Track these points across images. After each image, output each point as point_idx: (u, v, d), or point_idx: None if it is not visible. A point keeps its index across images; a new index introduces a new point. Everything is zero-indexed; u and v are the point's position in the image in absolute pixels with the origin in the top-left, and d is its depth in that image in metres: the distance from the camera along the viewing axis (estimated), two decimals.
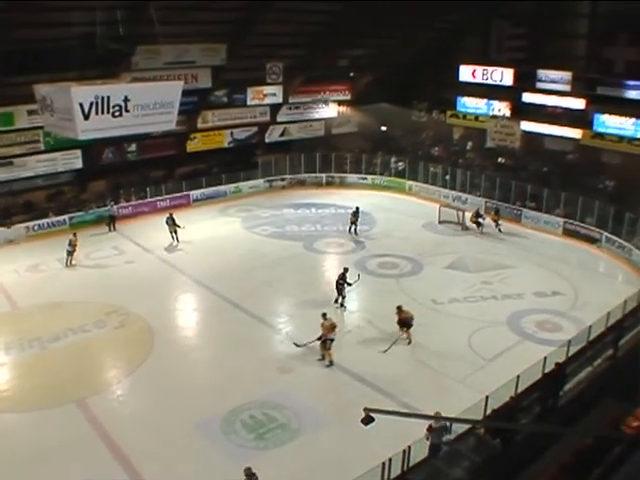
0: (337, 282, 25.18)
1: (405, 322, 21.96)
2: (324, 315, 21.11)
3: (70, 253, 29.28)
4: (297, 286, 27.20)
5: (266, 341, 22.67)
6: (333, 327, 20.85)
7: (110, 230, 34.34)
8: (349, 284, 25.01)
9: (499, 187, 37.83)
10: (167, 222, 32.51)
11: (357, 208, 34.52)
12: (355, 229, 34.30)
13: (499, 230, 34.66)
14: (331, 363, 20.66)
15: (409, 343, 21.96)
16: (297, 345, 21.19)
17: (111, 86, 19.15)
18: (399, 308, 22.22)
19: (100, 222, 34.52)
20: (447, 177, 40.79)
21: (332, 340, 20.82)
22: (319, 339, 20.78)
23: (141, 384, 19.83)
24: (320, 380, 19.95)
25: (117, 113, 18.99)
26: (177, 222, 32.46)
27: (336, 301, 25.22)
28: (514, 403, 15.69)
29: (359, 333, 23.19)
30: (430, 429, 14.75)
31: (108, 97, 18.47)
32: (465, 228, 34.97)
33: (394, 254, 30.94)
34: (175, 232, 32.47)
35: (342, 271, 25.33)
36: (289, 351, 21.62)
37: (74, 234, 30.05)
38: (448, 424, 14.88)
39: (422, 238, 33.61)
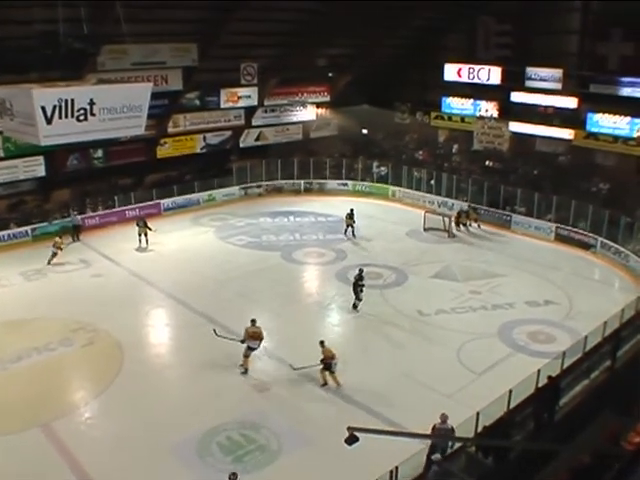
0: (354, 285, 25.74)
1: (325, 364, 20.22)
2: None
3: (54, 254, 30.60)
4: (275, 299, 27.10)
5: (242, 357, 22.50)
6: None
7: (74, 240, 34.11)
8: (360, 286, 25.57)
9: (487, 192, 38.06)
10: (138, 224, 33.14)
11: (352, 210, 35.17)
12: (352, 231, 34.89)
13: (478, 226, 36.44)
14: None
15: (337, 386, 20.28)
16: (294, 368, 20.79)
17: (75, 88, 18.94)
18: (321, 344, 20.50)
19: (65, 233, 34.15)
20: (432, 182, 40.96)
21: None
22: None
23: (111, 405, 19.56)
24: (300, 398, 19.83)
25: (82, 117, 18.79)
26: (149, 225, 33.31)
27: (355, 307, 25.75)
28: (507, 419, 15.68)
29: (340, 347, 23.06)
30: (434, 429, 15.31)
31: (72, 100, 18.27)
32: (452, 235, 35.09)
33: (377, 264, 30.91)
34: (145, 234, 32.98)
35: (358, 272, 25.89)
36: (267, 368, 21.54)
37: (60, 236, 31.72)
38: (454, 426, 15.30)
39: (406, 246, 33.66)
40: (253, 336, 20.93)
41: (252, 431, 18.05)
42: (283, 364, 21.36)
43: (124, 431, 18.22)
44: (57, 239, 31.26)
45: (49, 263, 30.64)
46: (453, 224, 35.95)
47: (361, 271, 25.88)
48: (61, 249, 31.07)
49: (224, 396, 19.82)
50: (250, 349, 21.01)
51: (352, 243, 34.06)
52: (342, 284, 28.45)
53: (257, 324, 21.25)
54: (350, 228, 35.15)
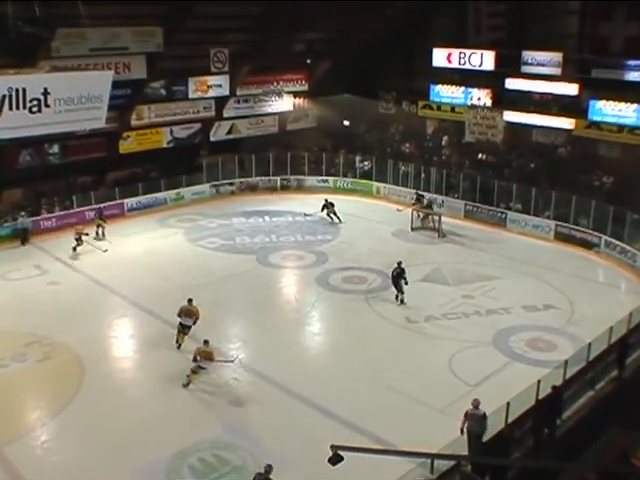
0: (393, 277, 26.91)
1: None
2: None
3: (79, 242, 32.56)
4: (250, 306, 27.01)
5: (216, 370, 22.26)
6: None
7: (23, 244, 33.89)
8: (404, 279, 26.81)
9: (480, 187, 38.14)
10: (95, 215, 34.70)
11: (326, 199, 38.03)
12: (338, 217, 37.45)
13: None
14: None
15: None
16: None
17: (27, 76, 18.85)
18: (205, 343, 21.27)
19: (16, 237, 33.92)
20: (422, 176, 40.85)
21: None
22: None
23: (70, 426, 19.36)
24: (279, 414, 19.72)
25: (35, 108, 18.69)
26: (104, 217, 35.21)
27: (396, 298, 26.89)
28: (504, 434, 15.68)
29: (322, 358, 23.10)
30: (466, 415, 16.30)
31: (24, 89, 18.15)
32: (442, 235, 35.13)
33: (361, 267, 30.97)
34: (102, 227, 34.67)
35: (396, 264, 27.08)
36: (243, 381, 21.43)
37: (80, 226, 33.45)
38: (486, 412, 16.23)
39: (393, 247, 33.59)
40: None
41: (227, 451, 17.92)
42: (260, 377, 21.30)
43: (84, 455, 18.00)
44: (78, 226, 33.36)
45: (74, 250, 32.47)
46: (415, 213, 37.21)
47: (400, 263, 27.06)
48: (87, 234, 33.08)
49: (196, 414, 19.68)
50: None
51: (333, 245, 34.04)
52: (323, 289, 28.44)
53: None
54: (333, 215, 37.24)
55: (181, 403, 20.22)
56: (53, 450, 18.44)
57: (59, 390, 21.16)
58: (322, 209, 37.98)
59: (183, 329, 23.02)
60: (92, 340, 24.15)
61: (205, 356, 20.94)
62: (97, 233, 34.67)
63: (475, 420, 16.43)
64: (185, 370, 21.56)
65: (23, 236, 34.22)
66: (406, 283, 26.90)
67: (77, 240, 32.60)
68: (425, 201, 38.22)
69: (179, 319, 23.00)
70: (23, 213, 34.73)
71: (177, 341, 23.14)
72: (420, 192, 39.00)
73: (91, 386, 21.19)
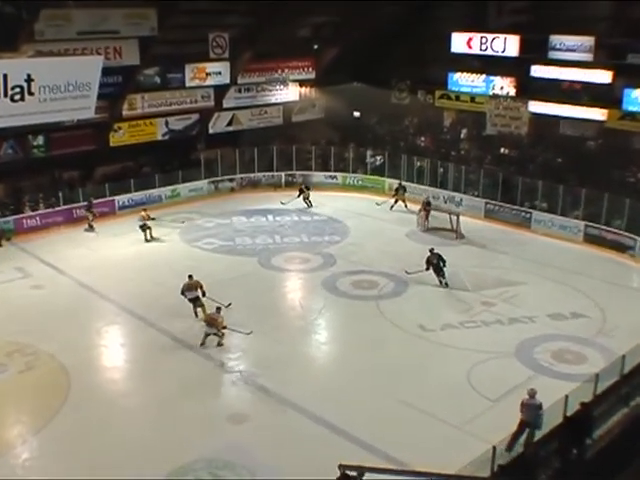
0: (434, 265, 28.88)
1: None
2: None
3: (147, 227, 34.76)
4: (251, 313, 26.90)
5: (214, 383, 22.38)
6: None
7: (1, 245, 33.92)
8: (443, 262, 28.99)
9: (502, 184, 38.04)
10: (85, 207, 36.40)
11: (302, 186, 41.24)
12: (310, 202, 40.37)
13: (406, 207, 39.39)
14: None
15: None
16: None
17: (9, 61, 18.86)
18: (218, 310, 24.34)
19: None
20: (440, 171, 40.80)
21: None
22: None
23: (54, 443, 19.26)
24: (282, 430, 19.63)
25: (17, 96, 18.71)
26: (93, 210, 36.41)
27: (441, 283, 28.95)
28: (528, 455, 15.54)
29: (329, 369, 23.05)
30: (522, 405, 17.22)
31: (5, 75, 18.16)
32: (461, 236, 35.03)
33: (372, 270, 30.92)
34: (89, 218, 36.21)
35: (430, 253, 29.25)
36: (243, 395, 21.40)
37: (144, 209, 35.72)
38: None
39: (406, 250, 33.55)
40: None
41: (226, 471, 17.81)
42: (261, 390, 21.21)
43: (69, 475, 17.85)
44: (142, 213, 35.23)
45: (151, 238, 34.83)
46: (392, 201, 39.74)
47: (432, 249, 29.41)
48: (153, 219, 35.35)
49: (192, 429, 19.56)
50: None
51: (341, 246, 34.02)
52: (330, 294, 28.38)
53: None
54: (308, 200, 40.13)
55: (176, 418, 20.12)
56: (35, 469, 18.32)
57: (42, 403, 21.06)
58: (299, 194, 40.17)
59: (194, 302, 26.04)
60: (79, 349, 24.08)
61: (208, 321, 23.87)
62: (90, 225, 36.03)
63: (531, 410, 17.26)
64: (181, 382, 21.72)
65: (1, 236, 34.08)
66: (445, 265, 29.00)
67: (142, 227, 34.71)
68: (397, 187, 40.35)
69: (185, 296, 26.03)
70: None
71: (195, 314, 26.13)
72: (403, 183, 40.82)
73: (77, 399, 21.09)
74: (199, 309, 26.04)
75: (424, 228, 36.11)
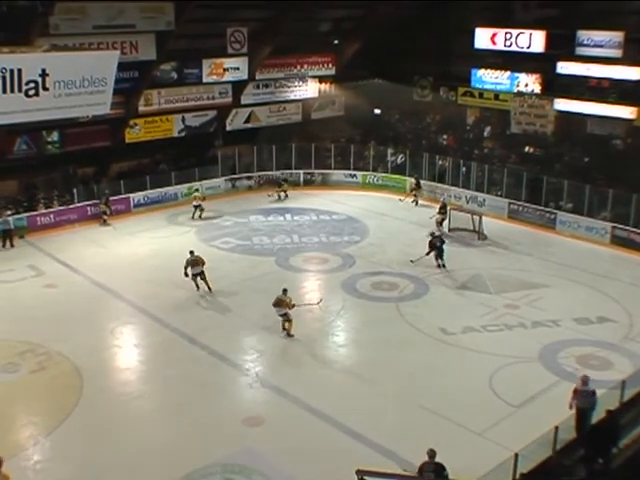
0: (437, 247, 30.77)
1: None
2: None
3: (200, 209, 38.14)
4: (268, 314, 26.80)
5: (230, 385, 22.36)
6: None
7: (4, 246, 33.79)
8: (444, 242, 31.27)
9: (526, 184, 37.87)
10: (101, 200, 37.22)
11: (282, 180, 42.62)
12: (284, 195, 42.06)
13: (416, 204, 40.59)
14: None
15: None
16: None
17: (23, 55, 18.90)
18: (284, 292, 25.24)
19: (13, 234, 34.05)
20: (463, 170, 40.69)
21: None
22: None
23: (66, 445, 19.30)
24: (299, 434, 19.61)
25: (32, 92, 18.72)
26: (109, 204, 37.51)
27: (439, 266, 30.94)
28: (552, 464, 15.45)
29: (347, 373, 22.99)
30: (575, 392, 18.04)
31: (19, 70, 18.18)
32: (483, 237, 34.90)
33: (392, 272, 30.88)
34: (106, 213, 37.02)
35: (430, 236, 31.45)
36: (259, 397, 21.37)
37: (196, 189, 39.38)
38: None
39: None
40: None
41: (241, 475, 17.79)
42: (278, 393, 21.19)
43: (82, 476, 18.00)
44: (196, 193, 38.80)
45: (199, 217, 38.14)
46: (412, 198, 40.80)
47: (432, 233, 31.82)
48: (204, 199, 38.59)
49: (207, 432, 19.58)
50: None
51: (361, 247, 34.00)
52: (349, 296, 28.36)
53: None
54: (283, 193, 41.72)
55: (190, 421, 20.12)
56: (46, 472, 18.37)
57: (54, 404, 21.13)
58: (279, 186, 42.02)
59: (198, 276, 28.37)
60: (92, 349, 24.16)
61: (276, 302, 24.83)
62: (103, 220, 36.84)
63: (584, 397, 17.99)
64: (195, 385, 21.77)
65: (5, 238, 33.91)
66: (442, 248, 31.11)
67: (196, 207, 38.02)
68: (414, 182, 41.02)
69: (189, 271, 28.22)
70: (9, 212, 34.63)
71: (197, 287, 28.56)
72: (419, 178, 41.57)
73: (90, 400, 21.16)
74: (201, 282, 28.50)
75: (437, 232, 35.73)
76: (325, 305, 27.63)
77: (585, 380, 18.30)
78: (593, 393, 18.01)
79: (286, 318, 25.08)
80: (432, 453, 15.96)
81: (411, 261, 31.40)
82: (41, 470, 18.41)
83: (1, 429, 20.00)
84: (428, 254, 31.05)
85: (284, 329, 25.07)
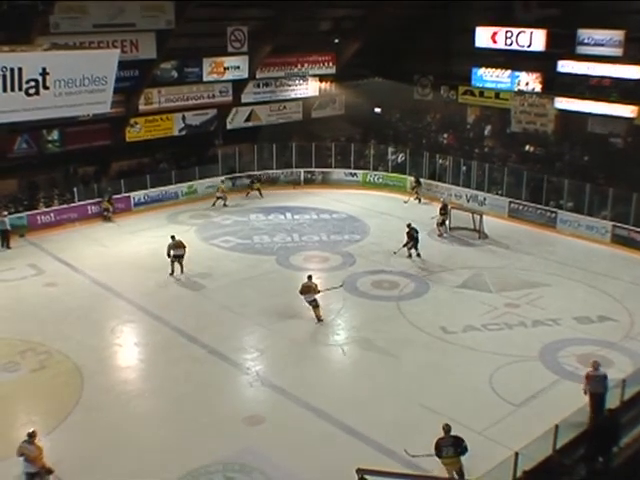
0: (415, 238, 31.92)
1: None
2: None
3: (219, 198, 40.00)
4: (269, 313, 26.93)
5: (230, 384, 22.37)
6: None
7: (2, 246, 33.62)
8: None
9: (526, 183, 37.86)
10: (104, 197, 37.58)
11: (254, 177, 43.13)
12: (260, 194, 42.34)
13: (419, 201, 40.94)
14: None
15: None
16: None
17: (24, 54, 18.88)
18: (309, 278, 26.49)
19: (12, 233, 34.03)
20: (463, 169, 40.70)
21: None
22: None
23: (66, 444, 19.26)
24: (299, 433, 19.61)
25: (32, 90, 18.71)
26: (112, 201, 37.81)
27: (410, 255, 32.06)
28: (552, 462, 15.45)
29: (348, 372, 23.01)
30: (587, 377, 18.99)
31: (20, 69, 18.17)
32: (484, 236, 34.89)
33: (392, 270, 30.90)
34: (108, 210, 37.50)
35: (408, 228, 32.14)
36: (260, 396, 21.39)
37: (222, 181, 41.21)
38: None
39: (428, 249, 33.38)
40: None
41: (241, 474, 17.80)
42: (278, 392, 21.20)
43: (82, 475, 17.97)
44: (222, 185, 40.91)
45: (224, 206, 40.05)
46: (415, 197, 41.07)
47: (409, 225, 32.40)
48: (225, 191, 40.63)
49: (207, 431, 19.58)
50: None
51: (361, 245, 34.00)
52: (350, 295, 28.33)
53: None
54: (255, 191, 42.32)
55: (190, 420, 20.13)
56: None
57: (55, 403, 21.14)
58: (251, 183, 42.78)
59: (177, 259, 30.12)
60: (92, 348, 24.16)
61: (302, 290, 25.88)
62: (106, 217, 37.34)
63: (597, 381, 18.93)
64: (195, 383, 21.80)
65: (3, 239, 33.71)
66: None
67: (218, 198, 40.07)
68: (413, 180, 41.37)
69: (172, 252, 30.03)
70: (5, 212, 34.32)
71: (172, 272, 30.15)
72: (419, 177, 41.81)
73: (90, 399, 21.17)
74: (178, 265, 30.16)
75: (441, 233, 35.69)
76: (325, 304, 27.67)
77: (596, 365, 19.22)
78: (605, 377, 18.97)
79: (315, 304, 25.82)
80: (448, 427, 16.64)
81: (394, 253, 32.14)
82: None
83: (1, 428, 20.03)
84: (406, 245, 32.02)
85: (316, 316, 26.06)
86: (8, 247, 33.61)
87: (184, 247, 30.26)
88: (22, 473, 16.76)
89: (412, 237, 31.99)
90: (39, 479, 16.97)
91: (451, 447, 16.41)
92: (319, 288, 26.07)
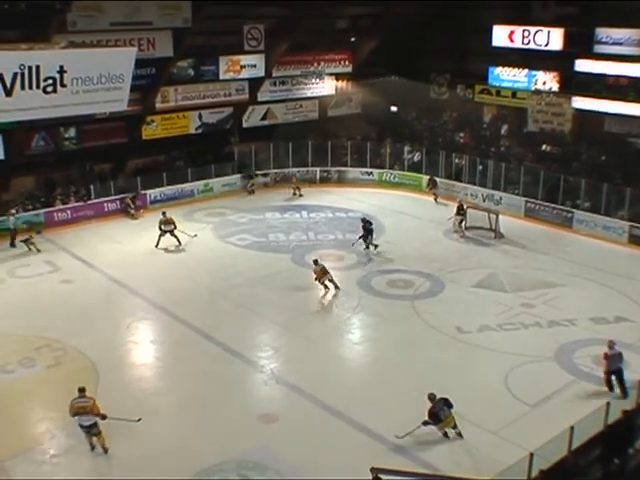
0: (367, 230, 32.83)
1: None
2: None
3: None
4: (284, 311, 26.96)
5: (245, 382, 22.37)
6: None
7: (11, 245, 33.45)
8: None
9: (543, 182, 37.72)
10: (129, 195, 38.22)
11: (250, 173, 43.19)
12: (252, 190, 42.68)
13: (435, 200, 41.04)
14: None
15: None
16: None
17: (41, 52, 18.93)
18: (315, 263, 28.34)
19: (28, 230, 34.01)
20: (479, 168, 40.58)
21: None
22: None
23: (82, 440, 19.17)
24: (313, 431, 19.61)
25: (50, 88, 18.75)
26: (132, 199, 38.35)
27: (374, 247, 33.08)
28: (567, 463, 15.40)
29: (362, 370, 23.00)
30: (606, 357, 20.53)
31: (37, 67, 18.20)
32: (500, 236, 34.78)
33: (407, 269, 30.82)
34: (130, 207, 37.85)
35: (363, 222, 33.23)
36: (274, 394, 21.42)
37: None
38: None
39: (443, 249, 33.49)
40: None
41: (255, 472, 17.83)
42: (293, 390, 21.24)
43: (96, 473, 18.07)
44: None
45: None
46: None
47: (364, 218, 33.81)
48: (297, 182, 42.40)
49: (221, 429, 19.63)
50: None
51: (377, 244, 33.89)
52: (365, 294, 28.32)
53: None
54: (251, 186, 42.71)
55: (205, 417, 20.18)
56: (62, 466, 18.47)
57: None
58: (249, 179, 42.89)
59: (170, 232, 32.96)
60: (108, 345, 24.25)
61: (318, 276, 27.82)
62: (130, 214, 37.89)
63: (614, 359, 20.64)
64: (210, 381, 21.82)
65: (12, 236, 33.60)
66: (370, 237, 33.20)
67: (296, 189, 41.74)
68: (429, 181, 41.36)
69: (163, 227, 32.96)
70: (13, 211, 34.26)
71: (157, 244, 32.98)
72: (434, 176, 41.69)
73: (106, 396, 20.97)
74: (166, 237, 33.00)
75: (459, 233, 35.46)
76: (340, 302, 27.68)
77: (611, 344, 20.85)
78: (620, 354, 20.76)
79: (330, 278, 28.15)
80: (433, 395, 18.94)
81: (352, 244, 33.29)
82: (57, 464, 18.51)
83: (18, 423, 20.13)
84: (362, 237, 33.07)
85: (335, 288, 28.48)
86: (13, 246, 33.49)
87: (174, 223, 33.20)
88: (80, 427, 18.46)
89: (367, 230, 33.02)
90: (96, 429, 18.45)
91: (445, 407, 18.83)
92: (320, 274, 27.93)
